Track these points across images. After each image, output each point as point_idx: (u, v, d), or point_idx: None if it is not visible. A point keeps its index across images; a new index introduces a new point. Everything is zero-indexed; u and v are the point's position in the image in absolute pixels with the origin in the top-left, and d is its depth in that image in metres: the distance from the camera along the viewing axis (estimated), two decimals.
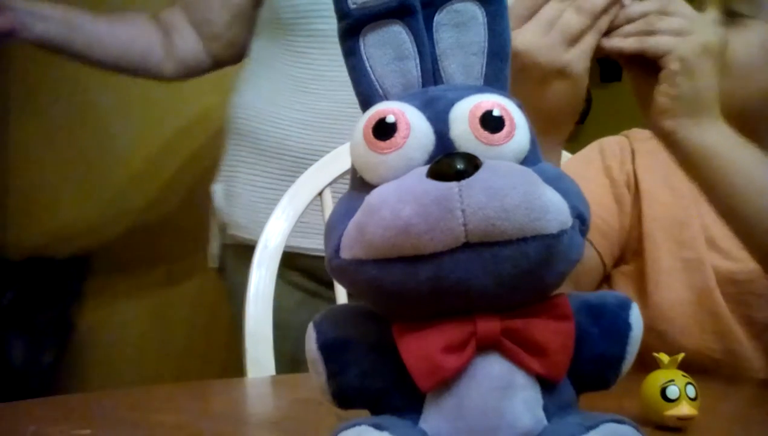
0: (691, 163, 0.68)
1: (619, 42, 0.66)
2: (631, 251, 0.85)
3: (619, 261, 0.87)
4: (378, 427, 0.33)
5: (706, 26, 0.68)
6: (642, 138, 0.88)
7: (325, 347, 0.37)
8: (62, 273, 1.80)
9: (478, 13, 0.38)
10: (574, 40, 0.64)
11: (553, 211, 0.33)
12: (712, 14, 0.79)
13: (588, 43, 0.65)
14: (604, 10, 0.65)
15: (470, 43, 0.38)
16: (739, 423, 0.55)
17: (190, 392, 0.75)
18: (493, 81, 0.38)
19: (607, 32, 0.66)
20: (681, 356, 0.49)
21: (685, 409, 0.46)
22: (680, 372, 0.48)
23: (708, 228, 0.82)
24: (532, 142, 0.37)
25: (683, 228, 0.83)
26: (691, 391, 0.46)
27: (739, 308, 0.80)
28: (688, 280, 0.82)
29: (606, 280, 0.87)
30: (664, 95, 0.66)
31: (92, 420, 0.54)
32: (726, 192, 0.68)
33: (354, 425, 0.33)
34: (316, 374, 0.37)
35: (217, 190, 1.35)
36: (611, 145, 0.90)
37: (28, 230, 2.23)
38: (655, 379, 0.48)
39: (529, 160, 0.36)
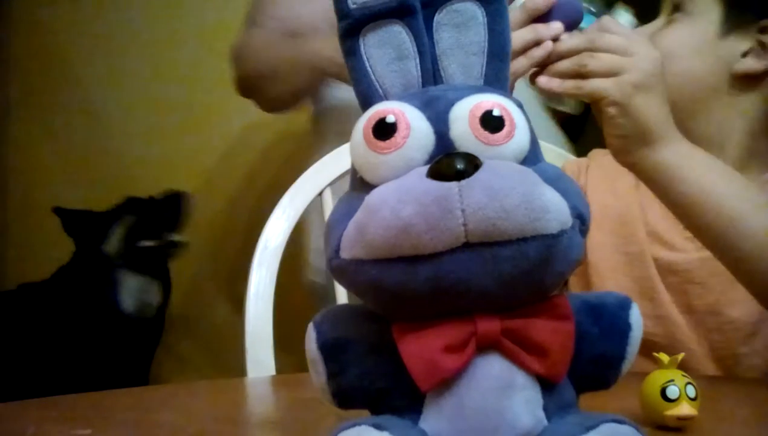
0: (654, 183, 0.72)
1: (557, 85, 0.69)
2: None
3: None
4: (378, 427, 0.33)
5: (641, 51, 0.69)
6: (599, 154, 0.97)
7: (325, 347, 0.37)
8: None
9: (478, 13, 0.38)
10: None
11: (553, 211, 0.33)
12: (649, 28, 0.86)
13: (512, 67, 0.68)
14: (536, 43, 0.68)
15: (470, 43, 0.38)
16: (739, 423, 0.54)
17: (190, 392, 0.75)
18: (493, 81, 0.38)
19: (543, 67, 0.69)
20: (681, 356, 0.49)
21: (685, 409, 0.46)
22: (680, 372, 0.48)
23: (651, 223, 0.88)
24: (532, 142, 0.37)
25: (626, 225, 0.90)
26: (691, 391, 0.46)
27: (679, 297, 0.85)
28: (630, 271, 0.88)
29: (565, 284, 0.91)
30: (611, 137, 0.70)
31: (92, 420, 0.54)
32: (686, 202, 0.70)
33: (354, 425, 0.33)
34: (316, 374, 0.37)
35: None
36: (571, 166, 0.99)
37: (28, 230, 2.23)
38: (655, 379, 0.48)
39: (529, 160, 0.36)
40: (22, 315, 1.73)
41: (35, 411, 0.56)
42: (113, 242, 1.78)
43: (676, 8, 0.86)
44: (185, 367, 2.00)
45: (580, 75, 0.68)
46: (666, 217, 0.85)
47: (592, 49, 0.68)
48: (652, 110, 0.69)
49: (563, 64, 0.69)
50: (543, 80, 0.70)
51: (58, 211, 1.82)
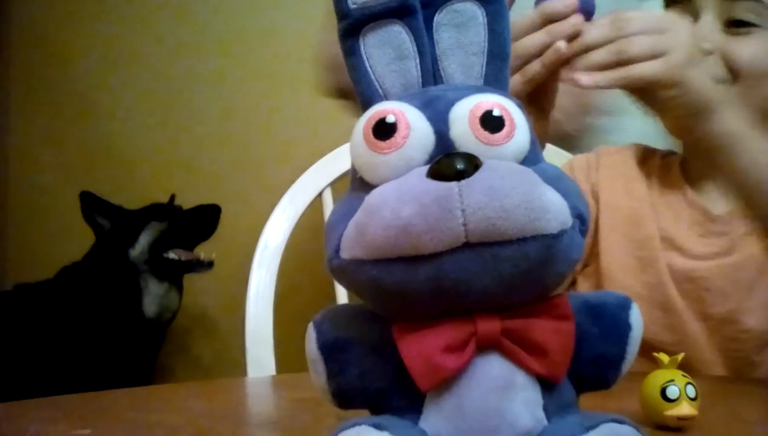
0: (722, 152, 0.69)
1: (602, 79, 0.65)
2: (594, 254, 0.89)
3: (584, 265, 0.91)
4: (378, 427, 0.33)
5: (671, 25, 0.67)
6: (608, 152, 0.94)
7: (325, 347, 0.37)
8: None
9: (478, 13, 0.38)
10: (517, 68, 0.66)
11: (553, 211, 0.33)
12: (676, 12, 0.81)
13: (527, 72, 0.66)
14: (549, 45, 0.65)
15: (470, 43, 0.38)
16: (739, 423, 0.54)
17: (190, 392, 0.75)
18: (493, 81, 0.38)
19: (566, 63, 0.66)
20: (681, 356, 0.49)
21: (685, 409, 0.46)
22: (680, 372, 0.48)
23: (666, 229, 0.86)
24: (532, 142, 0.36)
25: (639, 229, 0.87)
26: (691, 391, 0.46)
27: (694, 305, 0.83)
28: (641, 276, 0.85)
29: (572, 283, 0.91)
30: (672, 118, 0.68)
31: (92, 420, 0.54)
32: (754, 165, 0.68)
33: (354, 425, 0.33)
34: (316, 374, 0.37)
35: None
36: (580, 161, 0.96)
37: (28, 230, 2.23)
38: (655, 379, 0.48)
39: (529, 160, 0.36)
40: (36, 312, 1.72)
41: (35, 411, 0.56)
42: (141, 247, 1.77)
43: (740, 23, 0.80)
44: (185, 367, 2.00)
45: (619, 64, 0.64)
46: (679, 220, 0.85)
47: (622, 36, 0.64)
48: (705, 79, 0.66)
49: (599, 56, 0.65)
50: (585, 78, 0.65)
51: (85, 195, 1.79)
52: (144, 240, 1.77)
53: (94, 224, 1.81)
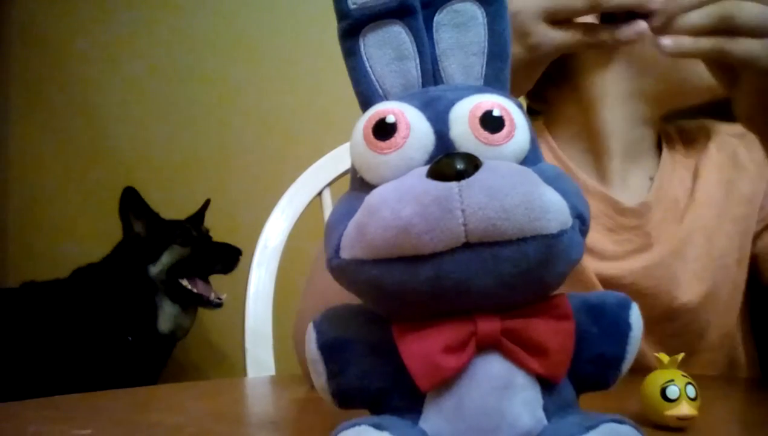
0: None
1: (690, 44, 0.55)
2: None
3: None
4: (378, 427, 0.33)
5: None
6: None
7: (325, 347, 0.37)
8: None
9: (478, 13, 0.38)
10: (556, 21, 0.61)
11: (553, 211, 0.33)
12: None
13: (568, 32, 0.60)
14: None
15: (470, 43, 0.38)
16: (739, 423, 0.55)
17: (190, 392, 0.75)
18: (493, 81, 0.38)
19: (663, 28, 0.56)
20: (681, 355, 0.49)
21: (685, 409, 0.46)
22: (680, 372, 0.48)
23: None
24: (532, 142, 0.36)
25: None
26: (691, 391, 0.46)
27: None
28: (570, 288, 0.81)
29: None
30: (752, 108, 0.59)
31: (92, 420, 0.53)
32: None
33: (354, 425, 0.33)
34: (316, 374, 0.37)
35: None
36: None
37: (28, 230, 2.23)
38: (655, 379, 0.48)
39: (529, 160, 0.36)
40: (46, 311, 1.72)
41: (35, 411, 0.56)
42: (161, 266, 1.78)
43: None
44: (185, 367, 2.00)
45: (716, 32, 0.54)
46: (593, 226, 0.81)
47: None
48: None
49: (696, 17, 0.54)
50: (668, 42, 0.55)
51: (129, 191, 1.79)
52: (165, 260, 1.78)
53: (126, 222, 1.81)
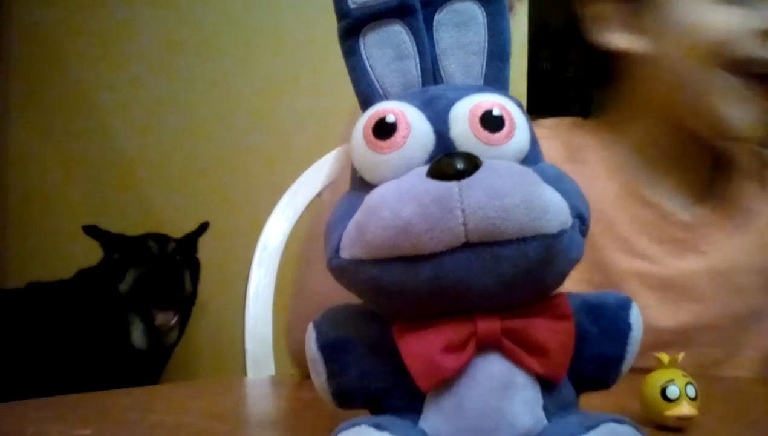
0: None
1: None
2: None
3: None
4: (378, 427, 0.33)
5: None
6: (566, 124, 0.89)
7: (325, 347, 0.37)
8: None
9: (478, 13, 0.38)
10: None
11: (553, 211, 0.33)
12: None
13: None
14: None
15: (470, 42, 0.38)
16: (739, 423, 0.54)
17: (190, 392, 0.75)
18: (493, 81, 0.38)
19: None
20: (681, 355, 0.49)
21: (685, 409, 0.46)
22: (680, 372, 0.48)
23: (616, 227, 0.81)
24: (532, 142, 0.37)
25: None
26: (691, 391, 0.46)
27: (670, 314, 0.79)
28: (591, 279, 0.79)
29: None
30: None
31: (92, 420, 0.53)
32: None
33: (354, 425, 0.33)
34: (316, 374, 0.37)
35: None
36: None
37: (28, 230, 2.23)
38: (655, 379, 0.47)
39: (529, 160, 0.36)
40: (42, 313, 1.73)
41: (35, 411, 0.56)
42: (127, 285, 1.79)
43: None
44: (185, 367, 2.00)
45: None
46: (633, 220, 0.78)
47: None
48: None
49: None
50: None
51: (88, 229, 1.80)
52: (130, 278, 1.79)
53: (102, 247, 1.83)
